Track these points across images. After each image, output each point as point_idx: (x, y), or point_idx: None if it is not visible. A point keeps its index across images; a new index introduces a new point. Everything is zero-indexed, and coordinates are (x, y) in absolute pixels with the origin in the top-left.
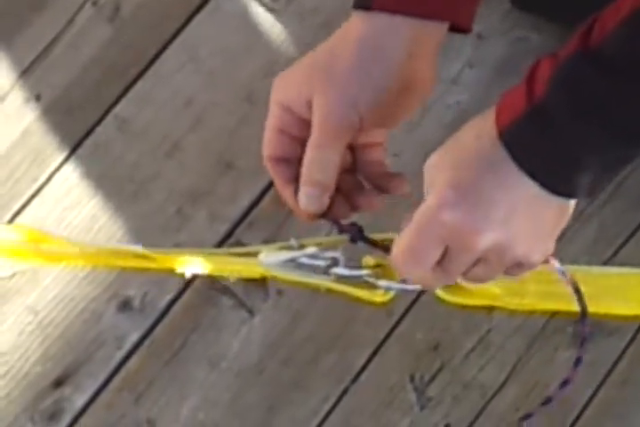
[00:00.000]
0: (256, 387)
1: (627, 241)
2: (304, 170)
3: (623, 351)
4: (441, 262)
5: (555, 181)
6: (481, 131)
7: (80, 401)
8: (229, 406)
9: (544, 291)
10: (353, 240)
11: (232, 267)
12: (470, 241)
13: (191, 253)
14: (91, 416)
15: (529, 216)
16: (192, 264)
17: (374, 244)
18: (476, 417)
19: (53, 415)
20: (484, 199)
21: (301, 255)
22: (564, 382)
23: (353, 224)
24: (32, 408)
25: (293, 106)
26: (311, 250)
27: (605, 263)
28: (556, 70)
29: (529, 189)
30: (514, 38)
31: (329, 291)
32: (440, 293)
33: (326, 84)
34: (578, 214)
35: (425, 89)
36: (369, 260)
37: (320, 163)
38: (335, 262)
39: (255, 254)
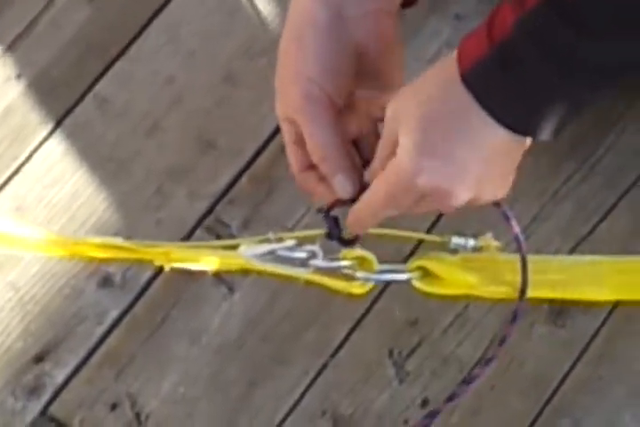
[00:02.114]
0: (236, 362)
1: (602, 219)
2: (310, 150)
3: (598, 329)
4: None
5: (519, 121)
6: (443, 79)
7: (61, 376)
8: (210, 381)
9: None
10: (329, 237)
11: (212, 259)
12: (447, 198)
13: (171, 245)
14: (71, 391)
15: (497, 161)
16: (172, 257)
17: (348, 243)
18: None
19: (34, 390)
20: (457, 156)
21: (280, 248)
22: (488, 360)
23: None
24: (13, 383)
25: (289, 115)
26: (290, 243)
27: (582, 241)
28: (523, 16)
29: (496, 132)
30: None
31: (308, 283)
32: (417, 283)
33: (284, 79)
34: (553, 193)
35: (388, 42)
36: (347, 252)
37: (312, 138)
38: (313, 255)
39: (234, 247)
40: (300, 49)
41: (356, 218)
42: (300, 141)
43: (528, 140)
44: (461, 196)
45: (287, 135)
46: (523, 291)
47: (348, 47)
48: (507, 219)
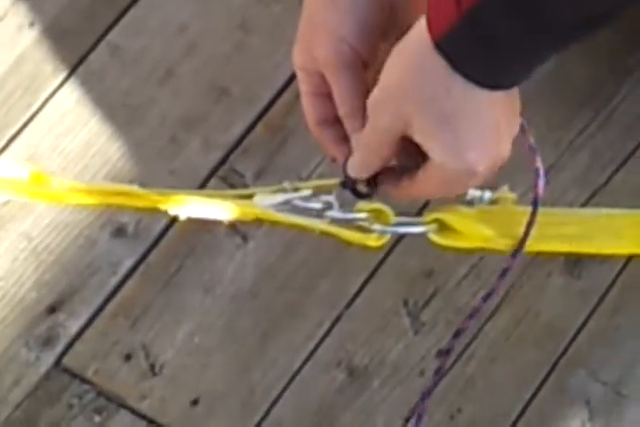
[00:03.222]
0: (250, 312)
1: (618, 169)
2: (337, 104)
3: (614, 280)
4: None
5: (497, 79)
6: (420, 63)
7: (74, 327)
8: (224, 332)
9: (539, 233)
10: (343, 186)
11: (226, 209)
12: (498, 162)
13: (185, 193)
14: (85, 342)
15: (497, 118)
16: (186, 206)
17: (362, 195)
18: (469, 343)
19: (48, 341)
20: (483, 130)
21: (296, 198)
22: (470, 316)
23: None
24: (27, 334)
25: (309, 66)
26: (305, 192)
27: (597, 192)
28: None
29: (479, 95)
30: None
31: (323, 234)
32: (433, 236)
33: (313, 39)
34: (568, 144)
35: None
36: (363, 204)
37: (340, 94)
38: (329, 206)
39: (249, 197)
40: (333, 9)
41: (405, 195)
42: (318, 93)
43: (515, 89)
44: (507, 149)
45: (304, 85)
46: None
47: (381, 4)
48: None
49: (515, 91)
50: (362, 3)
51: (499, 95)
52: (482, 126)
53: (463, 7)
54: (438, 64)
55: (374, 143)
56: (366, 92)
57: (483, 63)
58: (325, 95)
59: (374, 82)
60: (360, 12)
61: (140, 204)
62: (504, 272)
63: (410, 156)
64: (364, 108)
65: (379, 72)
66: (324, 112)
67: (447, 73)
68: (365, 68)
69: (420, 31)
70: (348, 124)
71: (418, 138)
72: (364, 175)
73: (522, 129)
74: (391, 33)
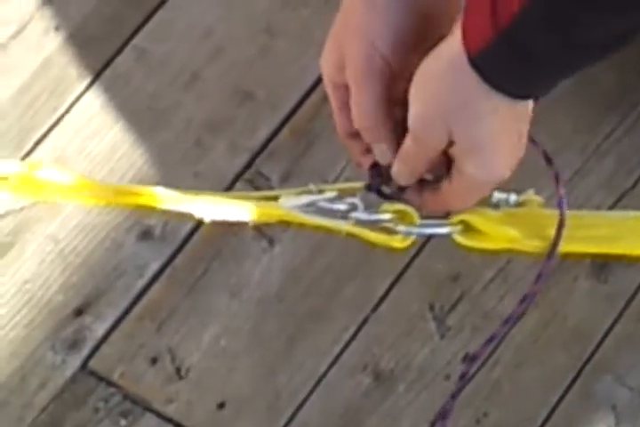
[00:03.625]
0: (277, 316)
1: None
2: (353, 117)
3: None
4: None
5: (531, 91)
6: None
7: (101, 330)
8: (250, 335)
9: (567, 235)
10: (368, 189)
11: (251, 211)
12: (489, 189)
13: (209, 195)
14: (111, 345)
15: (522, 128)
16: (210, 208)
17: (387, 197)
18: (495, 347)
19: (74, 344)
20: (498, 145)
21: (321, 199)
22: (506, 321)
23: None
24: (53, 337)
25: (337, 79)
26: (330, 194)
27: (624, 195)
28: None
29: (516, 109)
30: None
31: (348, 235)
32: (458, 237)
33: (345, 40)
34: (595, 148)
35: (449, 12)
36: (388, 206)
37: (358, 107)
38: (354, 207)
39: (274, 199)
40: (370, 13)
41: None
42: (347, 107)
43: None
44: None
45: (333, 100)
46: (555, 245)
47: (416, 15)
48: (556, 179)
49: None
50: (397, 10)
51: (526, 108)
52: (513, 139)
53: (500, 25)
54: (479, 82)
55: (420, 157)
56: (389, 105)
57: (519, 78)
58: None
59: (404, 95)
60: (394, 20)
61: (163, 206)
62: (539, 276)
63: (436, 166)
64: (384, 121)
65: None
66: (351, 125)
67: (491, 92)
68: (393, 79)
69: (454, 46)
70: (368, 136)
71: (456, 152)
72: (406, 183)
73: (531, 141)
74: (422, 46)
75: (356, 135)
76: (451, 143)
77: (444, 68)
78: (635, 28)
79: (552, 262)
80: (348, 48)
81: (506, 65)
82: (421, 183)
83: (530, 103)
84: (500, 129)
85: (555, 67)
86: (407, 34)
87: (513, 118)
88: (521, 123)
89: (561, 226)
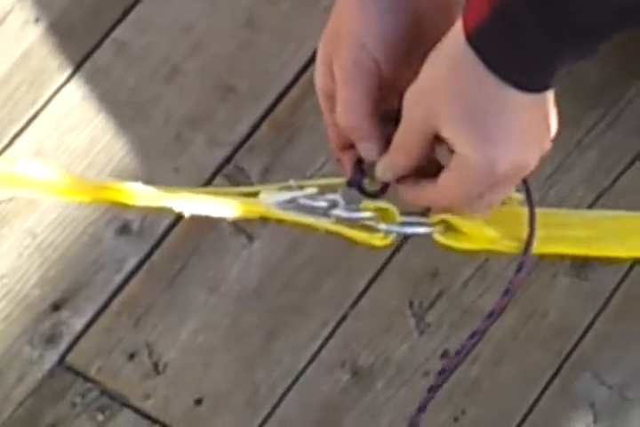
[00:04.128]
0: (255, 312)
1: (625, 170)
2: (338, 115)
3: (620, 282)
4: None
5: (528, 80)
6: (455, 63)
7: (78, 324)
8: (228, 331)
9: (546, 235)
10: (350, 185)
11: (231, 207)
12: (524, 170)
13: (189, 190)
14: (89, 340)
15: (526, 122)
16: (189, 204)
17: (369, 194)
18: (474, 344)
19: (52, 338)
20: (509, 129)
21: (301, 195)
22: (489, 315)
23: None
24: (31, 331)
25: (328, 89)
26: (311, 190)
27: (602, 194)
28: None
29: (509, 94)
30: None
31: (328, 232)
32: (438, 237)
33: (336, 40)
34: (576, 143)
35: (444, 18)
36: (369, 203)
37: (343, 105)
38: (335, 204)
39: (254, 195)
40: (363, 17)
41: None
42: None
43: (550, 94)
44: (533, 160)
45: (327, 115)
46: (528, 244)
47: (409, 18)
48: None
49: (548, 104)
50: (390, 14)
51: (527, 100)
52: (508, 126)
53: (494, 2)
54: (472, 59)
55: (408, 142)
56: (375, 105)
57: (513, 60)
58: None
59: (398, 104)
60: (387, 23)
61: (142, 201)
62: (521, 265)
63: (431, 163)
64: (370, 121)
65: (401, 94)
66: (348, 139)
67: (480, 68)
68: (383, 81)
69: (456, 30)
70: (352, 135)
71: (445, 131)
72: (393, 177)
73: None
74: (416, 52)
75: (350, 147)
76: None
77: (446, 50)
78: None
79: (531, 249)
80: (338, 50)
81: (499, 44)
82: (415, 178)
83: (543, 105)
84: (494, 111)
85: (548, 50)
86: (400, 38)
87: (514, 108)
88: (523, 116)
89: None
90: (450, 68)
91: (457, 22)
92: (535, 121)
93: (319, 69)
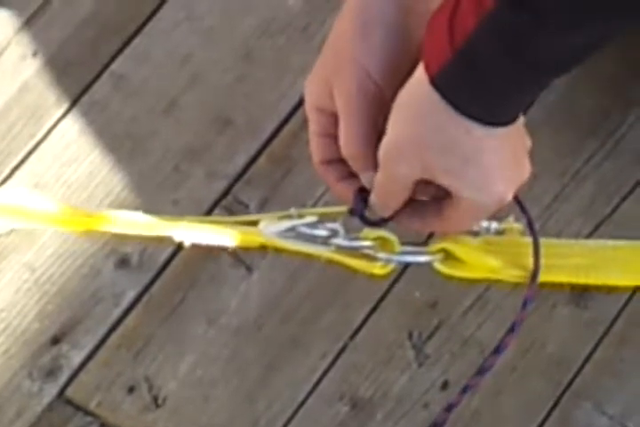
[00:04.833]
0: (254, 344)
1: (624, 199)
2: (342, 145)
3: (621, 310)
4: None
5: (498, 115)
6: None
7: (78, 358)
8: (228, 363)
9: (545, 264)
10: (351, 213)
11: (231, 236)
12: (494, 210)
13: (189, 220)
14: (88, 373)
15: (512, 148)
16: (190, 233)
17: (371, 223)
18: (475, 374)
19: (51, 372)
20: (483, 165)
21: (301, 224)
22: (499, 348)
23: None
24: (30, 365)
25: (323, 104)
26: (311, 219)
27: (602, 222)
28: (484, 19)
29: (498, 131)
30: None
31: (328, 261)
32: (438, 266)
33: (336, 66)
34: (574, 173)
35: None
36: (369, 232)
37: (348, 135)
38: (335, 233)
39: (254, 224)
40: (364, 42)
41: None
42: (326, 134)
43: (519, 123)
44: (526, 174)
45: (314, 126)
46: (534, 276)
47: (411, 46)
48: (521, 207)
49: (521, 125)
50: (393, 41)
51: (508, 129)
52: (503, 158)
53: (457, 44)
54: (446, 108)
55: (391, 190)
56: (378, 134)
57: (480, 99)
58: (333, 136)
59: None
60: (391, 50)
61: (143, 231)
62: (524, 305)
63: (427, 189)
64: (374, 150)
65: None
66: (331, 153)
67: (458, 117)
68: (386, 108)
69: (419, 71)
70: (355, 164)
71: (443, 181)
72: (386, 214)
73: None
74: None
75: (332, 162)
76: (427, 174)
77: (411, 94)
78: (588, 44)
79: (536, 284)
80: (340, 76)
81: (465, 85)
82: (421, 207)
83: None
84: (487, 150)
85: (513, 87)
86: (402, 63)
87: (503, 139)
88: (512, 141)
89: (537, 250)
90: (427, 120)
91: (419, 68)
92: (519, 144)
93: (313, 84)
